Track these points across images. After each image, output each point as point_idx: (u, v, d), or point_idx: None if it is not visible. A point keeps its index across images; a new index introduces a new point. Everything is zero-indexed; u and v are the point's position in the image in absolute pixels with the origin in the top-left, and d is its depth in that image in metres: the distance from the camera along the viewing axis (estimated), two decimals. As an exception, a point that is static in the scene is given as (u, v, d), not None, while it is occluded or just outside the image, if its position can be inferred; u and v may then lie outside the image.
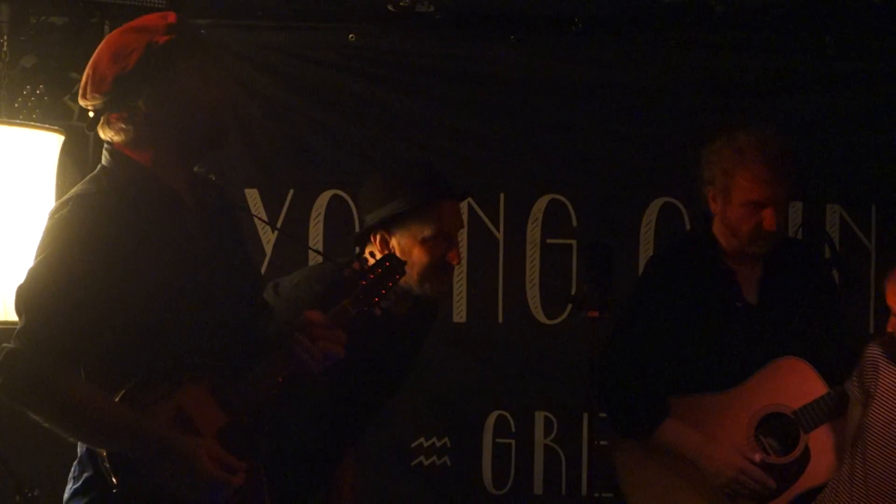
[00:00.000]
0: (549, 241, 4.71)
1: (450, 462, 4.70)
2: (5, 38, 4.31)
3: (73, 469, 2.76)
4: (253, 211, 4.58)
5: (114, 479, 2.61)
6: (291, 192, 4.73)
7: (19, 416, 2.60)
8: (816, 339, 3.73)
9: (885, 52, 4.57)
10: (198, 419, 2.66)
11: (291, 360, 2.78)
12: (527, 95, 4.71)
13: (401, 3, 4.59)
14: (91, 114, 2.76)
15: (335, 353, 2.80)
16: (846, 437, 3.58)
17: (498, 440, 4.69)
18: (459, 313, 4.72)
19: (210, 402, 2.69)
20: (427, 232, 3.36)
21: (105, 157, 2.78)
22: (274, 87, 4.74)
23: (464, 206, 4.21)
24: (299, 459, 3.39)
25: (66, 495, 2.75)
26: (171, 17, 2.75)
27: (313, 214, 4.72)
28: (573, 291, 4.62)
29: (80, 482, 2.72)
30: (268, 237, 4.70)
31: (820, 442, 3.65)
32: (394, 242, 3.37)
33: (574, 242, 4.70)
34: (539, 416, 4.68)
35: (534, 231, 4.71)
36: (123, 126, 2.72)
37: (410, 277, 3.33)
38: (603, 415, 3.73)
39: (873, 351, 3.55)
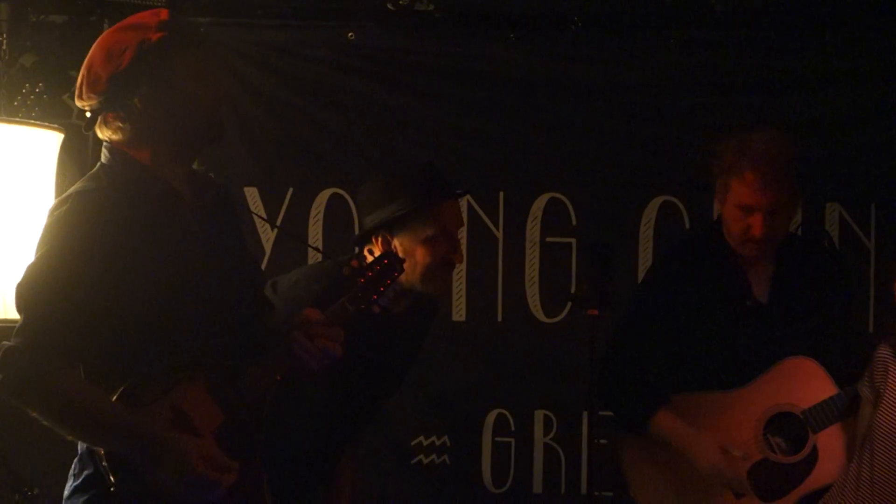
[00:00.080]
0: (548, 239, 4.70)
1: (449, 460, 4.69)
2: (5, 36, 4.31)
3: (73, 466, 2.77)
4: (252, 209, 4.57)
5: (111, 478, 2.61)
6: (291, 190, 4.72)
7: (19, 415, 2.60)
8: (827, 340, 3.71)
9: (885, 51, 4.56)
10: (195, 417, 2.66)
11: (290, 359, 2.78)
12: (526, 94, 4.69)
13: (400, 2, 4.59)
14: (88, 114, 2.76)
15: (333, 351, 2.80)
16: (856, 437, 3.57)
17: (497, 439, 4.69)
18: (459, 312, 4.71)
19: (208, 401, 2.69)
20: (429, 232, 3.37)
21: (104, 155, 2.79)
22: (273, 85, 4.73)
23: (463, 204, 4.21)
24: (299, 458, 3.40)
25: (66, 492, 2.76)
26: (164, 13, 2.75)
27: (312, 213, 4.71)
28: (573, 290, 4.61)
29: (80, 479, 2.73)
30: (267, 236, 4.70)
31: (828, 443, 3.63)
32: (396, 243, 3.37)
33: (573, 241, 4.68)
34: (538, 415, 4.67)
35: (533, 229, 4.70)
36: (121, 125, 2.73)
37: (414, 277, 3.33)
38: (603, 413, 3.72)
39: (883, 352, 3.53)
